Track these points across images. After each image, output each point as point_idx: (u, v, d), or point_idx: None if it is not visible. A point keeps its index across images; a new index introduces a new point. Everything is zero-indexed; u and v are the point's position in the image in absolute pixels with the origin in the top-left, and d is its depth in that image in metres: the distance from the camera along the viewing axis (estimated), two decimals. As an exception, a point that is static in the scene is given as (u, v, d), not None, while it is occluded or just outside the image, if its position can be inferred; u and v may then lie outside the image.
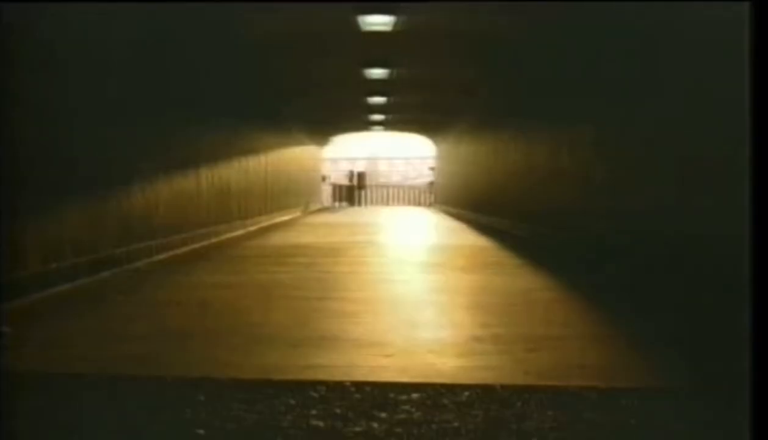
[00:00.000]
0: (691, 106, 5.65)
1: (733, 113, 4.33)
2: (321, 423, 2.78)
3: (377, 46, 10.72)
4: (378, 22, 9.36)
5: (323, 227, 15.26)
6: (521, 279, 6.97)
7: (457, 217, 19.48)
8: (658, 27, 6.25)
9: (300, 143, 21.21)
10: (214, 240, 10.92)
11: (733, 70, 4.40)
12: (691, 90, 5.63)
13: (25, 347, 3.99)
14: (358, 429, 2.72)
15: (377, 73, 12.95)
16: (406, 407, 2.94)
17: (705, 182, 5.37)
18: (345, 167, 33.90)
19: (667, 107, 6.15)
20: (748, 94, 2.47)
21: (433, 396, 3.07)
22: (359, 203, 32.59)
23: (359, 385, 3.24)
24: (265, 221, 15.42)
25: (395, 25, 9.45)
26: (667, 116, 6.15)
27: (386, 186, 35.38)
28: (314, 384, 3.25)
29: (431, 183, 31.40)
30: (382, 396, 3.10)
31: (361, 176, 34.26)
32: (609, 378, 3.43)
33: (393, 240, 12.34)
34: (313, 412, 2.89)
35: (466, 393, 3.11)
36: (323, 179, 29.00)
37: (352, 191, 31.26)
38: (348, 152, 34.16)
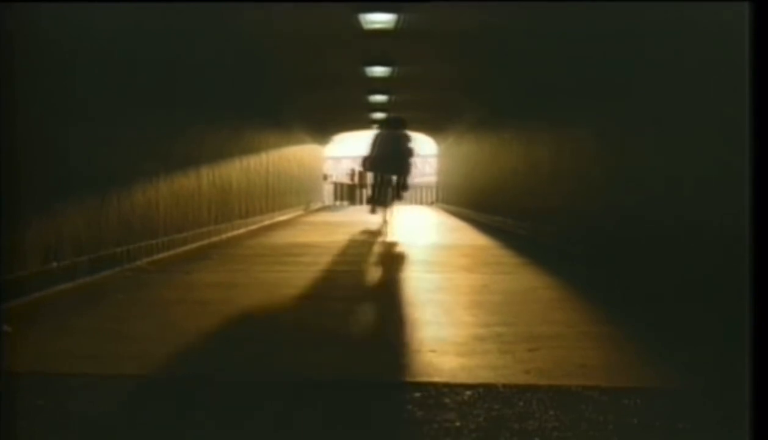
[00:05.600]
0: (691, 106, 5.65)
1: (733, 112, 4.32)
2: (321, 423, 2.78)
3: (379, 45, 10.72)
4: (379, 20, 9.37)
5: (324, 226, 15.25)
6: (523, 278, 6.96)
7: (459, 215, 19.46)
8: (659, 27, 6.25)
9: (301, 141, 21.20)
10: (215, 239, 10.92)
11: (732, 71, 4.40)
12: (691, 90, 5.62)
13: (25, 346, 3.99)
14: (358, 428, 2.72)
15: (379, 71, 12.95)
16: (408, 406, 2.94)
17: (706, 182, 5.37)
18: (347, 165, 33.76)
19: (668, 107, 6.14)
20: (749, 94, 2.46)
21: (435, 395, 3.07)
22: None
23: (360, 384, 3.24)
24: (267, 220, 15.43)
25: (397, 23, 9.45)
26: (668, 115, 6.15)
27: None
28: (314, 383, 3.25)
29: (434, 182, 31.30)
30: (383, 395, 3.10)
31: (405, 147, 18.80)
32: (611, 377, 3.43)
33: (393, 239, 12.31)
34: (314, 412, 2.89)
35: (468, 393, 3.11)
36: (324, 177, 28.93)
37: (354, 190, 30.73)
38: (349, 150, 34.12)
